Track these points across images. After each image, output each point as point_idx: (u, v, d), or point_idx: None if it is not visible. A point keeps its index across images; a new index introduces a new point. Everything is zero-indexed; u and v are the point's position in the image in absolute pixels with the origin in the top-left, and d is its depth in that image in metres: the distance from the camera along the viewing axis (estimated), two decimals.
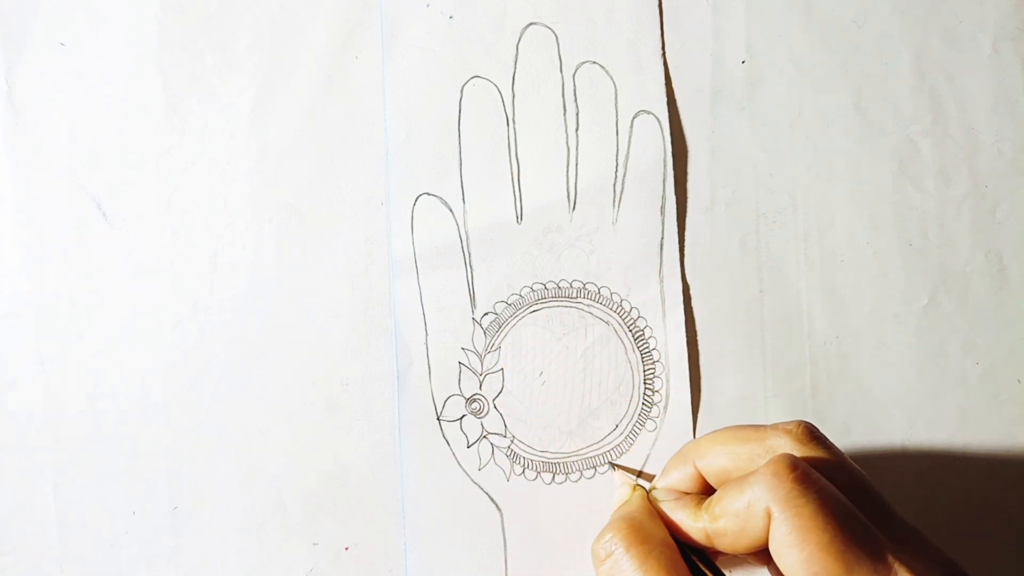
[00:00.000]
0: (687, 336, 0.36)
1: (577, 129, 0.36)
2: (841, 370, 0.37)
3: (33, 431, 0.34)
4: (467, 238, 0.35)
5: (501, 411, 0.35)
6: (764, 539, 0.25)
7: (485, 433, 0.35)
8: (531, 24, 0.36)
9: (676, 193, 0.36)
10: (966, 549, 0.36)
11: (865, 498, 0.26)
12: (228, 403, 0.35)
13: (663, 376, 0.36)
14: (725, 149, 0.37)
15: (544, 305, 0.36)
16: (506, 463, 0.35)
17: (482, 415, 0.35)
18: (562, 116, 0.36)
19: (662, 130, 0.36)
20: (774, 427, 0.28)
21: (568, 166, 0.36)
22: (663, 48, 0.36)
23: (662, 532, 0.28)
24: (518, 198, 0.36)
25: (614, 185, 0.36)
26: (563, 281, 0.36)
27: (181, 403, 0.35)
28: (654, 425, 0.36)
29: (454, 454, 0.35)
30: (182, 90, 0.35)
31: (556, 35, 0.36)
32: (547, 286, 0.36)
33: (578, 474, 0.35)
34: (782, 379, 0.36)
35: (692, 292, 0.36)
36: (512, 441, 0.35)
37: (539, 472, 0.35)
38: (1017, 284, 0.37)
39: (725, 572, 0.28)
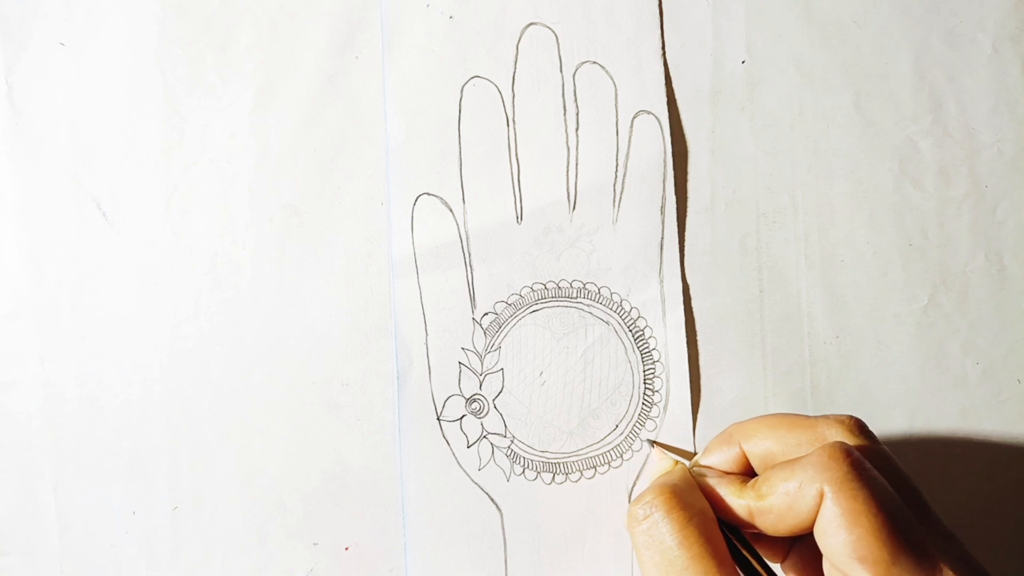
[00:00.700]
0: (687, 336, 0.36)
1: (577, 129, 0.36)
2: (841, 370, 0.37)
3: (33, 431, 0.34)
4: (467, 238, 0.35)
5: (501, 411, 0.35)
6: (809, 521, 0.26)
7: (485, 433, 0.35)
8: (531, 24, 0.36)
9: (676, 193, 0.36)
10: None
11: (911, 496, 0.26)
12: (228, 403, 0.35)
13: (663, 376, 0.36)
14: (725, 149, 0.37)
15: (544, 305, 0.36)
16: (506, 463, 0.35)
17: (482, 415, 0.35)
18: (562, 116, 0.36)
19: (662, 130, 0.36)
20: (825, 418, 0.29)
21: (568, 166, 0.36)
22: (663, 48, 0.36)
23: (702, 503, 0.28)
24: (518, 198, 0.36)
25: (614, 185, 0.36)
26: (563, 281, 0.36)
27: (181, 403, 0.35)
28: (654, 425, 0.36)
29: (454, 454, 0.35)
30: (182, 90, 0.35)
31: (556, 35, 0.36)
32: (547, 286, 0.36)
33: (578, 474, 0.35)
34: (782, 379, 0.36)
35: (692, 292, 0.36)
36: (512, 441, 0.35)
37: (539, 472, 0.35)
38: (1017, 284, 0.37)
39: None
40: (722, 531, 0.28)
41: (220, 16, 0.35)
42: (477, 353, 0.35)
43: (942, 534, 0.26)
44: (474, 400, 0.35)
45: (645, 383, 0.36)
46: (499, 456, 0.35)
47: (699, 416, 0.36)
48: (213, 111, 0.35)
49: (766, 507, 0.27)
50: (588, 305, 0.36)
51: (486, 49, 0.36)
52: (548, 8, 0.36)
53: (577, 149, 0.36)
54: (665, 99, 0.36)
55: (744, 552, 0.28)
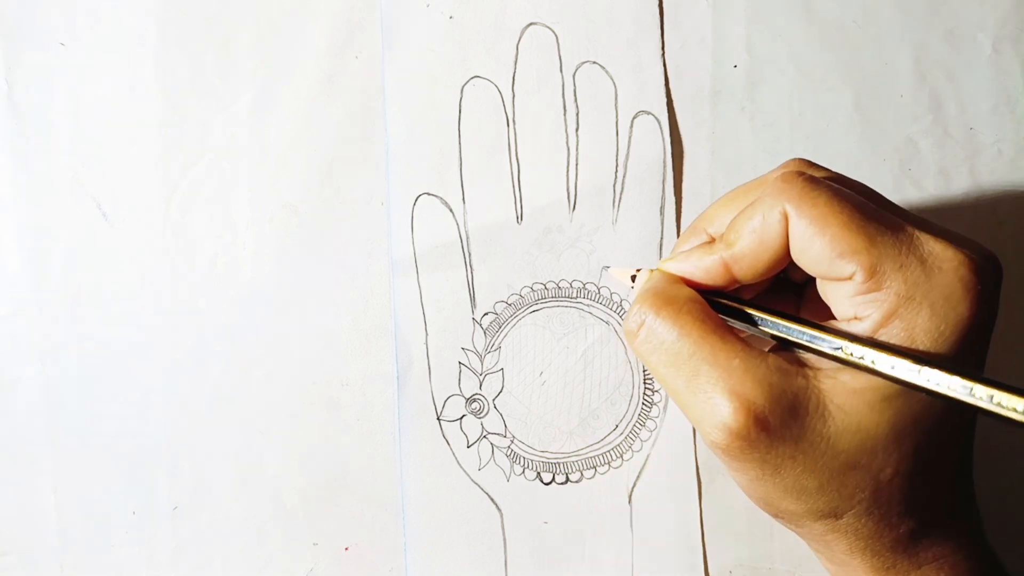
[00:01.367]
0: None
1: (577, 129, 0.36)
2: None
3: (33, 431, 0.34)
4: (467, 238, 0.35)
5: (501, 411, 0.35)
6: (783, 248, 0.26)
7: (485, 433, 0.35)
8: (531, 24, 0.36)
9: (676, 193, 0.36)
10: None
11: (875, 198, 0.27)
12: (228, 403, 0.35)
13: None
14: (725, 149, 0.37)
15: (544, 305, 0.36)
16: (506, 463, 0.35)
17: (482, 415, 0.35)
18: (562, 116, 0.36)
19: (662, 130, 0.36)
20: (773, 171, 0.29)
21: (568, 166, 0.36)
22: (663, 48, 0.36)
23: (687, 290, 0.28)
24: (518, 198, 0.36)
25: (614, 185, 0.36)
26: (563, 281, 0.36)
27: (181, 403, 0.35)
28: (654, 425, 0.36)
29: (454, 454, 0.35)
30: (182, 90, 0.35)
31: (556, 35, 0.36)
32: (547, 286, 0.36)
33: (578, 474, 0.35)
34: None
35: None
36: (512, 441, 0.35)
37: (539, 472, 0.35)
38: (1017, 284, 0.37)
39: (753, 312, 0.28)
40: (715, 306, 0.27)
41: (220, 16, 0.35)
42: (477, 353, 0.35)
43: (918, 218, 0.26)
44: (474, 400, 0.35)
45: (645, 383, 0.36)
46: (499, 456, 0.35)
47: None
48: (213, 111, 0.35)
49: (739, 253, 0.27)
50: (588, 305, 0.36)
51: (486, 49, 0.36)
52: (548, 8, 0.36)
53: (577, 149, 0.36)
54: (665, 99, 0.36)
55: (746, 309, 0.27)
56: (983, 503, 0.29)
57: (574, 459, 0.35)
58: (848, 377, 0.25)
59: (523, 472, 0.35)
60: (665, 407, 0.36)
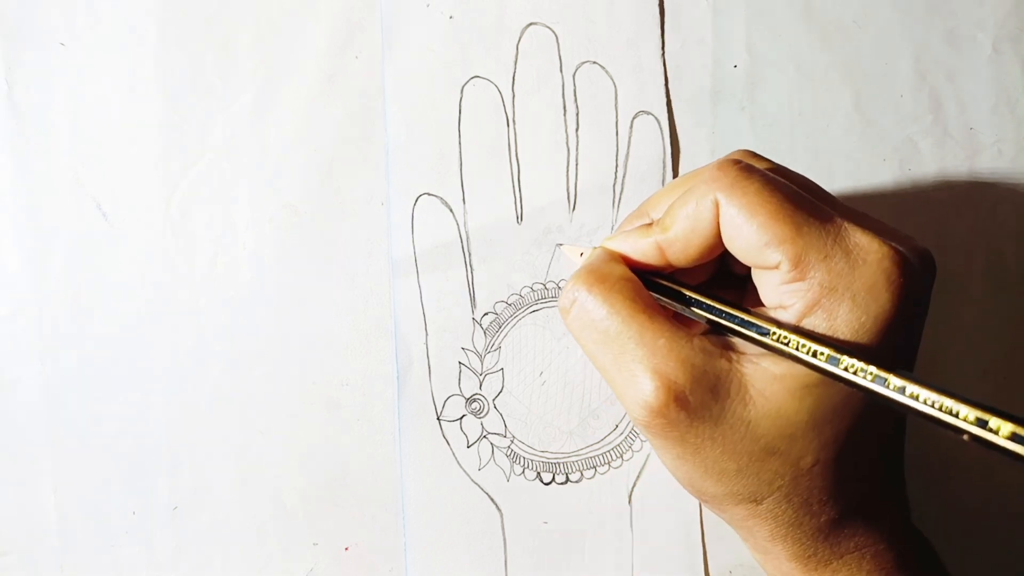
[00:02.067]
0: None
1: (577, 129, 0.36)
2: None
3: (33, 431, 0.34)
4: (467, 238, 0.35)
5: (501, 411, 0.35)
6: (714, 235, 0.26)
7: (485, 433, 0.35)
8: (531, 24, 0.36)
9: None
10: (966, 549, 0.36)
11: (811, 190, 0.27)
12: (228, 403, 0.35)
13: None
14: (725, 149, 0.37)
15: (544, 305, 0.36)
16: (506, 463, 0.35)
17: (482, 415, 0.35)
18: (562, 116, 0.36)
19: (662, 130, 0.36)
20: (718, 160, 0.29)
21: (568, 166, 0.36)
22: (663, 48, 0.36)
23: (621, 269, 0.28)
24: (518, 198, 0.36)
25: (614, 185, 0.36)
26: (563, 281, 0.36)
27: (181, 403, 0.35)
28: None
29: (454, 454, 0.35)
30: (182, 90, 0.35)
31: (556, 35, 0.36)
32: (547, 286, 0.36)
33: (578, 474, 0.35)
34: None
35: None
36: (512, 441, 0.35)
37: (539, 472, 0.35)
38: (1017, 284, 0.37)
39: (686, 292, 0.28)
40: (649, 285, 0.28)
41: (220, 16, 0.35)
42: (477, 353, 0.35)
43: (851, 211, 0.26)
44: (474, 400, 0.35)
45: None
46: (499, 456, 0.35)
47: None
48: (213, 111, 0.35)
49: (672, 237, 0.27)
50: None
51: (486, 49, 0.36)
52: (548, 8, 0.36)
53: (577, 149, 0.36)
54: (665, 99, 0.36)
55: (680, 289, 0.28)
56: (918, 494, 0.29)
57: (574, 459, 0.35)
58: (770, 363, 0.25)
59: (523, 472, 0.35)
60: None
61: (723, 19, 0.37)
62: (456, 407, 0.35)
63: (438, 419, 0.35)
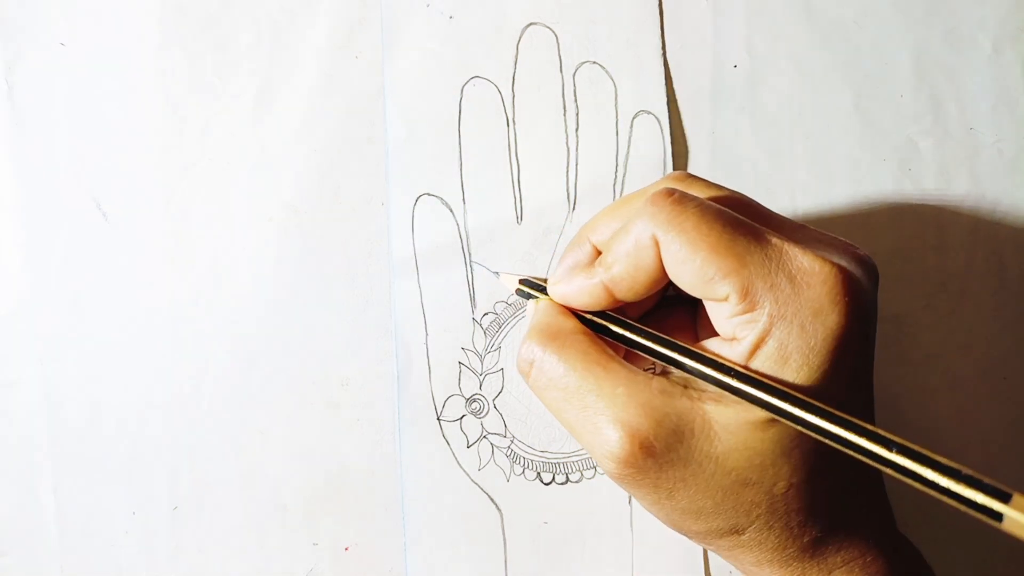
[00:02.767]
0: None
1: (577, 129, 0.36)
2: None
3: (33, 431, 0.34)
4: (467, 238, 0.35)
5: (501, 411, 0.35)
6: (659, 270, 0.26)
7: (485, 433, 0.35)
8: (531, 24, 0.36)
9: None
10: (965, 550, 0.36)
11: (746, 209, 0.27)
12: (228, 403, 0.35)
13: None
14: (725, 149, 0.37)
15: None
16: (506, 463, 0.35)
17: (482, 415, 0.35)
18: (562, 116, 0.36)
19: (662, 130, 0.36)
20: (652, 184, 0.29)
21: (568, 166, 0.36)
22: (663, 48, 0.36)
23: (572, 322, 0.28)
24: (518, 198, 0.36)
25: (614, 185, 0.36)
26: None
27: (181, 403, 0.35)
28: None
29: (454, 454, 0.35)
30: (182, 90, 0.35)
31: (556, 35, 0.36)
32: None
33: (578, 474, 0.35)
34: None
35: None
36: (512, 441, 0.35)
37: (539, 472, 0.35)
38: (1017, 284, 0.37)
39: (642, 327, 0.28)
40: (614, 320, 0.28)
41: (220, 16, 0.35)
42: (477, 353, 0.35)
43: (789, 228, 0.27)
44: (474, 400, 0.35)
45: None
46: (499, 456, 0.35)
47: None
48: (213, 111, 0.35)
49: (617, 276, 0.27)
50: None
51: (486, 49, 0.36)
52: (548, 8, 0.36)
53: (577, 149, 0.36)
54: (665, 99, 0.36)
55: (623, 334, 0.28)
56: (902, 501, 0.29)
57: (574, 459, 0.35)
58: (731, 397, 0.25)
59: (523, 472, 0.35)
60: None
61: (723, 19, 0.37)
62: (456, 407, 0.35)
63: (438, 419, 0.35)
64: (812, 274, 0.24)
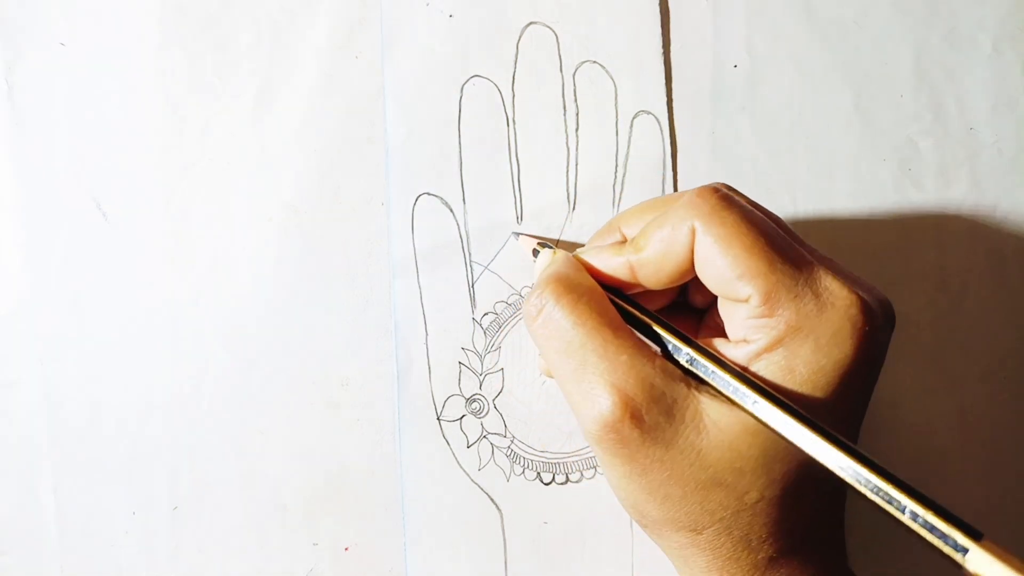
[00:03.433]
0: None
1: (577, 129, 0.36)
2: None
3: (33, 431, 0.34)
4: (467, 238, 0.35)
5: (501, 411, 0.35)
6: (687, 261, 0.26)
7: (485, 433, 0.35)
8: (531, 24, 0.36)
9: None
10: None
11: (784, 230, 0.27)
12: (228, 403, 0.35)
13: None
14: (725, 149, 0.37)
15: None
16: (506, 463, 0.35)
17: (482, 415, 0.35)
18: (562, 116, 0.36)
19: (662, 130, 0.36)
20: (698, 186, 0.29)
21: (568, 166, 0.36)
22: (663, 48, 0.36)
23: (589, 281, 0.28)
24: (518, 198, 0.36)
25: (614, 185, 0.36)
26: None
27: (181, 403, 0.35)
28: None
29: (454, 454, 0.35)
30: (182, 90, 0.35)
31: (556, 35, 0.36)
32: None
33: (578, 474, 0.35)
34: None
35: None
36: (512, 441, 0.35)
37: (539, 472, 0.35)
38: (1017, 284, 0.37)
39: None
40: (615, 301, 0.28)
41: (220, 16, 0.35)
42: (477, 353, 0.35)
43: (817, 253, 0.27)
44: (474, 400, 0.35)
45: None
46: (499, 456, 0.35)
47: None
48: (213, 111, 0.35)
49: (645, 259, 0.27)
50: None
51: (486, 48, 0.36)
52: (548, 8, 0.36)
53: (577, 149, 0.36)
54: (665, 99, 0.36)
55: (637, 314, 0.28)
56: (855, 538, 0.29)
57: (574, 459, 0.35)
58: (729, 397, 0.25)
59: (523, 472, 0.35)
60: None
61: (723, 19, 0.37)
62: (456, 407, 0.35)
63: (438, 419, 0.35)
64: (839, 297, 0.25)
